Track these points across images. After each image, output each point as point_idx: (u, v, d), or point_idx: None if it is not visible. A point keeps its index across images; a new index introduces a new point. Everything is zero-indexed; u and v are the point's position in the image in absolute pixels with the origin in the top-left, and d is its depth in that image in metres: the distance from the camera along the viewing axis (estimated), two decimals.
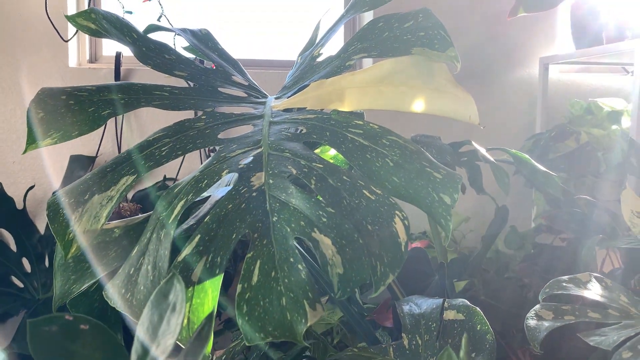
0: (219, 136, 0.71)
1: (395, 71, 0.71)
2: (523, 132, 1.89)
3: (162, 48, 0.83)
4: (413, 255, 1.06)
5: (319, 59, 0.83)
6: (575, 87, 1.90)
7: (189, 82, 0.81)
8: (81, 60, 1.74)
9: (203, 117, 0.74)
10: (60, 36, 1.53)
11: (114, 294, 0.58)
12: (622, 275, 1.04)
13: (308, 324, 0.51)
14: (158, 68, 0.80)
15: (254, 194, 0.60)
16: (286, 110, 0.78)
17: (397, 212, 0.58)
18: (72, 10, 1.70)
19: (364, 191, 0.60)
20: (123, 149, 1.73)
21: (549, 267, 1.12)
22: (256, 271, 0.54)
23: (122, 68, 1.65)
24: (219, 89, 0.81)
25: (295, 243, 0.55)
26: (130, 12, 1.82)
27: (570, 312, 0.71)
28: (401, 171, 0.64)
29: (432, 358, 0.75)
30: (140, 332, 0.38)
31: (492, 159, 1.23)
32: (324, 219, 0.56)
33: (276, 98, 0.82)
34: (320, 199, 0.58)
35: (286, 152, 0.65)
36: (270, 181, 0.61)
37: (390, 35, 0.74)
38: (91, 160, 1.62)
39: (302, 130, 0.70)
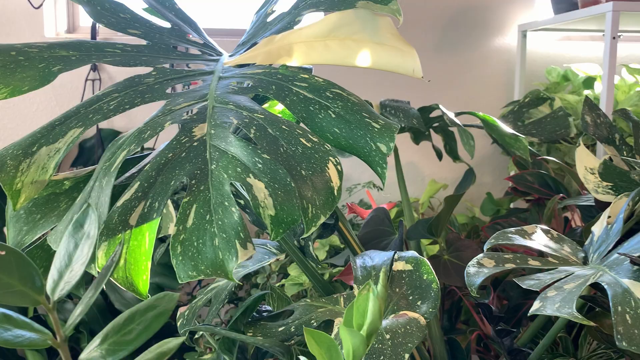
0: (168, 91, 0.72)
1: (341, 25, 0.72)
2: (503, 99, 1.90)
3: (118, 7, 0.84)
4: (376, 215, 1.08)
5: (272, 16, 0.83)
6: (554, 54, 1.90)
7: (144, 39, 0.82)
8: (58, 30, 1.74)
9: (153, 72, 0.75)
10: (31, 3, 1.53)
11: (56, 240, 0.60)
12: (580, 232, 1.06)
13: (239, 261, 0.53)
14: (112, 26, 0.81)
15: (195, 143, 0.61)
16: (238, 67, 0.79)
17: (330, 158, 0.60)
18: None
19: (301, 139, 0.61)
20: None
21: (514, 226, 1.14)
22: (192, 215, 0.56)
23: (98, 38, 1.65)
24: (173, 46, 0.82)
25: (229, 188, 0.56)
26: None
27: (512, 260, 0.73)
28: (342, 122, 0.65)
29: None
30: (57, 259, 0.40)
31: (459, 122, 1.24)
32: (260, 165, 0.58)
33: (230, 55, 0.83)
34: (258, 146, 0.60)
35: (230, 104, 0.67)
36: (212, 131, 0.62)
37: None
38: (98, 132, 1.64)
39: (249, 84, 0.71)
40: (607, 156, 0.88)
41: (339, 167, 0.59)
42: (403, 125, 1.26)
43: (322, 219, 0.57)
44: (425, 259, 0.79)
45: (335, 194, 0.58)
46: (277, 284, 1.36)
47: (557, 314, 0.54)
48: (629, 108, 1.40)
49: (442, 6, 1.84)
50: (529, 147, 1.29)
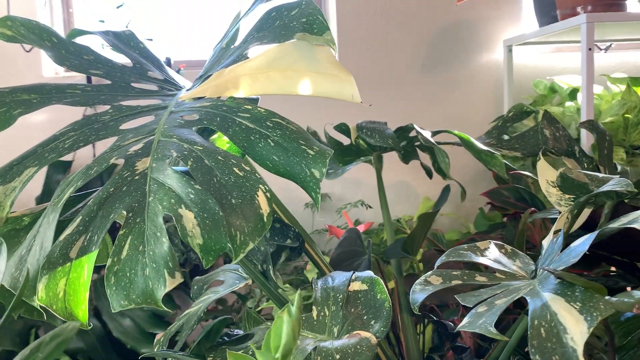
0: (121, 127, 0.76)
1: (281, 56, 0.75)
2: (493, 115, 1.90)
3: (82, 50, 0.89)
4: (349, 236, 1.10)
5: (227, 49, 0.87)
6: (542, 67, 1.91)
7: (106, 79, 0.87)
8: (57, 69, 1.82)
9: (110, 110, 0.79)
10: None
11: (6, 274, 0.64)
12: None
13: (166, 290, 0.56)
14: (74, 68, 0.85)
15: (137, 177, 0.64)
16: (194, 100, 0.83)
17: (260, 186, 0.62)
18: (44, 20, 1.78)
19: (234, 169, 0.64)
20: (98, 152, 1.80)
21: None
22: (126, 246, 0.58)
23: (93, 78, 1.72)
24: (132, 84, 0.86)
25: (162, 219, 0.59)
26: (102, 21, 1.89)
27: (459, 277, 0.73)
28: (280, 150, 0.68)
29: (336, 327, 0.79)
30: None
31: (432, 140, 1.26)
32: (192, 196, 0.60)
33: (187, 90, 0.87)
34: (193, 177, 0.63)
35: (174, 137, 0.70)
36: (154, 165, 0.65)
37: (280, 23, 0.78)
38: (68, 164, 1.70)
39: (195, 117, 0.75)
40: (562, 169, 0.88)
41: (268, 194, 0.62)
42: (380, 146, 1.28)
43: (251, 245, 0.59)
44: (380, 279, 0.80)
45: (265, 220, 0.60)
46: (263, 305, 1.38)
47: (476, 330, 0.55)
48: (610, 118, 1.40)
49: (428, 25, 1.86)
50: (510, 162, 1.30)
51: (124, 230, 0.59)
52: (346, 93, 0.74)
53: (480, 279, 0.73)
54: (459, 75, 1.90)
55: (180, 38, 2.01)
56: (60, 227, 0.63)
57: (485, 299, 0.63)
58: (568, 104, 1.53)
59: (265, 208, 0.61)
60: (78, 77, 1.75)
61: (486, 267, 0.75)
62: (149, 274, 0.56)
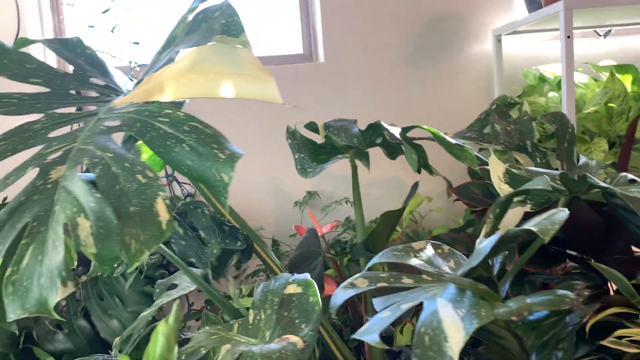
0: (51, 135, 0.76)
1: (201, 59, 0.74)
2: (484, 106, 1.86)
3: (25, 59, 0.90)
4: (308, 237, 1.09)
5: (162, 53, 0.87)
6: (534, 56, 1.85)
7: (45, 87, 0.87)
8: None
9: (43, 118, 0.80)
10: None
11: None
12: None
13: (58, 299, 0.56)
14: (15, 78, 0.86)
15: (49, 185, 0.65)
16: (127, 106, 0.83)
17: (160, 193, 0.62)
18: (33, 33, 1.82)
19: (138, 176, 0.64)
20: None
21: (456, 239, 1.11)
22: (27, 256, 0.59)
23: None
24: (71, 91, 0.87)
25: (62, 229, 0.60)
26: (92, 26, 1.92)
27: (386, 279, 0.72)
28: (194, 154, 0.67)
29: (268, 331, 0.78)
30: None
31: (399, 137, 1.23)
32: (92, 204, 0.60)
33: (125, 96, 0.87)
34: (96, 185, 0.63)
35: (90, 144, 0.70)
36: (67, 173, 0.66)
37: (206, 25, 0.78)
38: None
39: (117, 123, 0.75)
40: (507, 165, 0.85)
41: (167, 201, 0.61)
42: (345, 144, 1.26)
43: (147, 254, 0.58)
44: (313, 282, 0.79)
45: (164, 227, 0.60)
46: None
47: (363, 337, 0.53)
48: (593, 107, 1.35)
49: (415, 17, 1.83)
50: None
51: (26, 239, 0.60)
52: (267, 94, 0.73)
53: (407, 281, 0.71)
54: (449, 67, 1.86)
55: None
56: None
57: (393, 303, 0.62)
58: (552, 94, 1.48)
59: (164, 215, 0.60)
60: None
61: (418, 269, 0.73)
62: (44, 283, 0.57)
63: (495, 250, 0.61)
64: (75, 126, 0.80)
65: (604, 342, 0.69)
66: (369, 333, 0.54)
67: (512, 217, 0.79)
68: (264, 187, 1.84)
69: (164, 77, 0.77)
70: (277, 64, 1.84)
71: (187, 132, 0.70)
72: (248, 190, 1.84)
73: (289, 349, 0.71)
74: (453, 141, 1.24)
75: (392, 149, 1.50)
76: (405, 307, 0.59)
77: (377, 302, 0.64)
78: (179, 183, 1.76)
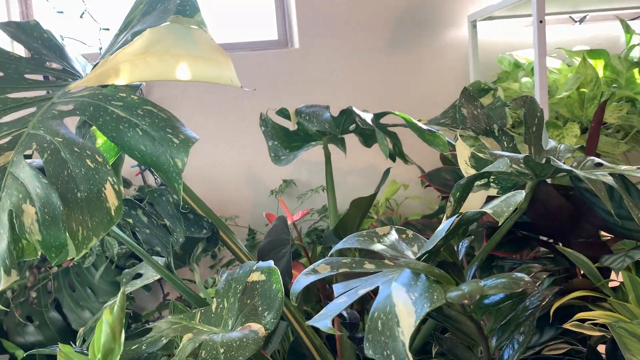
0: (2, 120, 0.74)
1: (156, 40, 0.72)
2: (459, 92, 1.85)
3: None
4: (277, 225, 1.07)
5: (120, 35, 0.84)
6: (510, 42, 1.84)
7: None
8: None
9: None
10: None
11: None
12: None
13: (2, 288, 0.54)
14: None
15: None
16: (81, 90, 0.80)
17: (109, 178, 0.60)
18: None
19: (87, 160, 0.61)
20: None
21: (427, 225, 1.10)
22: None
23: None
24: (26, 75, 0.84)
25: (7, 215, 0.57)
26: (62, 12, 1.87)
27: (348, 264, 0.70)
28: (148, 139, 0.65)
29: (231, 319, 0.77)
30: None
31: (370, 122, 1.22)
32: (38, 190, 0.58)
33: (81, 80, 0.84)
34: (44, 171, 0.60)
35: (41, 129, 0.68)
36: (15, 159, 0.63)
37: (162, 6, 0.75)
38: None
39: (70, 107, 0.72)
40: (472, 148, 0.84)
41: (116, 186, 0.59)
42: (317, 130, 1.25)
43: (94, 240, 0.57)
44: (276, 269, 0.78)
45: (113, 213, 0.58)
46: None
47: (316, 324, 0.52)
48: (565, 92, 1.34)
49: (391, 3, 1.81)
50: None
51: None
52: (225, 77, 0.70)
53: (369, 266, 0.70)
54: (425, 54, 1.84)
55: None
56: None
57: (351, 289, 0.61)
58: (525, 79, 1.47)
59: (112, 201, 0.58)
60: None
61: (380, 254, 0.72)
62: None
63: (452, 233, 0.60)
64: (26, 112, 0.78)
65: (566, 325, 0.69)
66: (323, 319, 0.53)
67: (474, 201, 0.78)
68: (241, 176, 1.82)
69: (119, 60, 0.75)
70: (251, 50, 1.82)
71: (141, 116, 0.67)
72: (225, 179, 1.81)
73: (250, 337, 0.70)
74: (425, 127, 1.23)
75: (367, 136, 1.48)
76: (362, 292, 0.58)
77: (336, 288, 0.63)
78: (151, 171, 1.73)
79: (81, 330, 0.97)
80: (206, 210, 0.93)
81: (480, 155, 0.84)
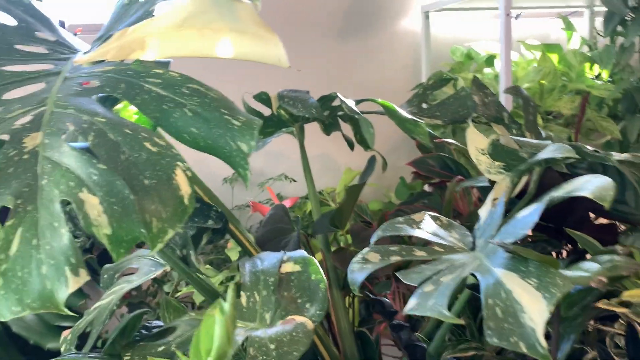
0: (4, 97, 0.64)
1: (196, 13, 0.66)
2: (412, 83, 1.88)
3: None
4: (275, 213, 1.03)
5: (131, 7, 0.76)
6: (460, 34, 1.91)
7: None
8: None
9: None
10: None
11: None
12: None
13: (70, 291, 0.47)
14: None
15: (25, 156, 0.54)
16: (92, 64, 0.71)
17: (178, 163, 0.54)
18: None
19: (146, 143, 0.55)
20: None
21: (418, 212, 1.12)
22: (16, 240, 0.48)
23: None
24: (16, 46, 0.73)
25: (60, 206, 0.50)
26: None
27: (398, 252, 0.69)
28: (200, 121, 0.59)
29: (268, 313, 0.73)
30: None
31: (357, 110, 1.21)
32: (95, 177, 0.51)
33: (85, 53, 0.75)
34: (96, 155, 0.53)
35: (70, 108, 0.59)
36: (46, 141, 0.55)
37: None
38: None
39: (96, 84, 0.64)
40: (495, 136, 0.86)
41: (188, 172, 0.53)
42: (302, 115, 1.21)
43: (171, 233, 0.50)
44: (313, 259, 0.74)
45: (187, 203, 0.52)
46: (182, 291, 1.29)
47: (428, 313, 0.50)
48: (527, 84, 1.42)
49: None
50: (430, 130, 1.28)
51: (11, 220, 0.49)
52: (271, 55, 0.66)
53: (419, 253, 0.69)
54: (376, 43, 1.86)
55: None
56: None
57: (430, 277, 0.59)
58: (486, 70, 1.54)
59: (185, 189, 0.53)
60: None
61: (427, 241, 0.71)
62: (47, 272, 0.47)
63: None
64: (30, 88, 0.68)
65: (599, 304, 0.73)
66: (430, 309, 0.51)
67: (503, 185, 0.79)
68: (190, 162, 1.73)
69: (146, 32, 0.67)
70: None
71: (186, 95, 0.61)
72: None
73: (300, 330, 0.67)
74: (407, 116, 1.24)
75: (329, 124, 1.47)
76: (445, 279, 0.57)
77: (407, 277, 0.61)
78: None
79: (66, 333, 0.87)
80: (214, 199, 0.88)
81: (502, 142, 0.86)
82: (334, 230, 1.08)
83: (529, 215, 0.58)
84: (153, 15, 0.70)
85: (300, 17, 1.78)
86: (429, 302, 0.53)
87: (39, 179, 0.51)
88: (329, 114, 1.36)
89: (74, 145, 0.55)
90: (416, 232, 0.73)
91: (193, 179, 0.87)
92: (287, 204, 1.16)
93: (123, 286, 0.87)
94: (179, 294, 1.28)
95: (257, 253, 0.93)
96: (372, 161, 1.20)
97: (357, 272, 0.65)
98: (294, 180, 1.74)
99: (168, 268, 0.86)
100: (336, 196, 1.73)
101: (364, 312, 1.35)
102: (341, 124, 1.43)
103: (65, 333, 0.88)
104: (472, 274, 0.55)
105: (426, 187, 1.75)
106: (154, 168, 0.53)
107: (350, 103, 1.23)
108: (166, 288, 1.35)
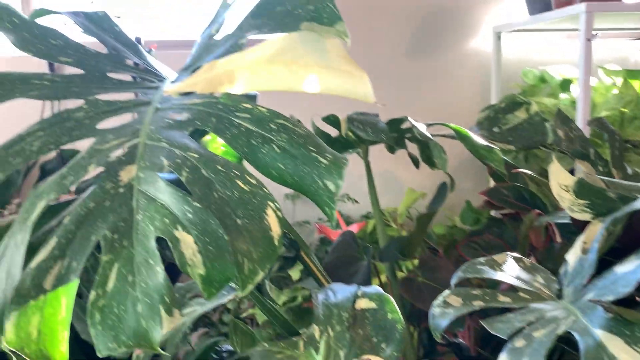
0: (98, 126, 0.66)
1: (286, 48, 0.66)
2: (479, 104, 1.85)
3: (49, 33, 0.77)
4: (343, 240, 1.03)
5: (217, 37, 0.77)
6: (531, 56, 1.86)
7: (78, 68, 0.76)
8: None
9: (84, 106, 0.68)
10: None
11: None
12: (558, 250, 1.01)
13: (164, 331, 0.47)
14: (40, 55, 0.74)
15: (121, 190, 0.55)
16: (180, 95, 0.73)
17: (269, 202, 0.54)
18: None
19: (238, 181, 0.55)
20: None
21: (490, 244, 1.08)
22: (113, 276, 0.49)
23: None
24: (108, 74, 0.75)
25: (155, 243, 0.50)
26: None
27: (480, 297, 0.67)
28: (287, 157, 0.59)
29: (342, 350, 0.72)
30: None
31: (428, 135, 1.19)
32: (189, 215, 0.51)
33: (172, 82, 0.77)
34: (190, 192, 0.54)
35: (163, 141, 0.60)
36: (141, 175, 0.56)
37: (282, 9, 0.69)
38: None
39: (187, 117, 0.65)
40: (581, 174, 0.83)
41: (279, 212, 0.53)
42: (372, 140, 1.20)
43: (260, 275, 0.50)
44: (390, 297, 0.73)
45: (276, 244, 0.52)
46: (248, 311, 1.30)
47: None
48: (606, 112, 1.36)
49: (412, 10, 1.78)
50: (504, 156, 1.24)
51: (108, 255, 0.50)
52: (358, 91, 0.65)
53: (504, 299, 0.66)
54: (444, 63, 1.83)
55: (150, 15, 1.87)
56: (31, 251, 0.53)
57: (519, 329, 0.57)
58: (563, 96, 1.48)
59: (276, 229, 0.52)
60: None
61: (511, 285, 0.68)
62: (142, 311, 0.47)
63: None
64: (122, 118, 0.69)
65: None
66: None
67: (594, 230, 0.76)
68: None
69: (236, 66, 0.68)
70: None
71: (274, 130, 0.61)
72: None
73: None
74: (482, 142, 1.21)
75: (395, 143, 1.45)
76: (538, 335, 0.54)
77: (493, 326, 0.59)
78: None
79: (139, 352, 0.89)
80: (287, 226, 0.88)
81: (589, 182, 0.82)
82: (402, 259, 1.06)
83: (633, 272, 0.55)
84: (241, 48, 0.71)
85: (368, 35, 1.78)
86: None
87: (134, 213, 0.52)
88: (397, 136, 1.35)
89: (167, 177, 0.56)
90: (499, 275, 0.71)
91: None
92: (354, 229, 1.15)
93: (195, 309, 0.89)
94: (243, 314, 1.29)
95: (327, 282, 0.92)
96: (443, 189, 1.17)
97: (439, 317, 0.63)
98: (357, 202, 1.73)
99: (240, 293, 0.86)
100: (397, 217, 1.71)
101: (426, 341, 1.32)
102: (407, 142, 1.41)
103: (137, 352, 0.90)
104: (568, 332, 0.52)
105: (493, 213, 1.71)
106: (245, 207, 0.53)
107: (422, 127, 1.22)
108: (229, 305, 1.37)
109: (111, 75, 0.76)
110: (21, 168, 1.57)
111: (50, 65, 1.55)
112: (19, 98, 0.68)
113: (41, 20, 0.81)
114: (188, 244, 0.49)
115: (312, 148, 0.60)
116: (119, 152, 0.60)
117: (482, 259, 0.74)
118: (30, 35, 0.76)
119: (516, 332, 0.56)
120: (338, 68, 0.65)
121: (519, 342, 0.54)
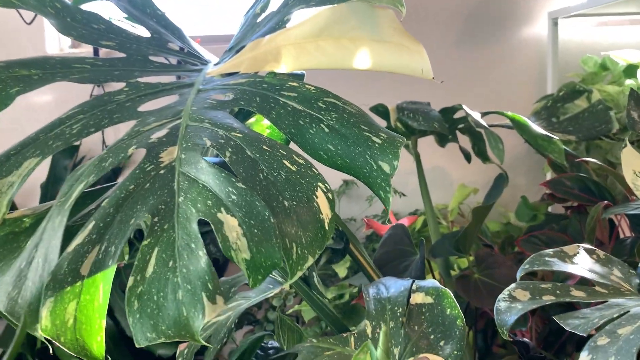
0: (140, 109, 0.63)
1: (334, 22, 0.61)
2: (535, 94, 1.75)
3: (91, 18, 0.75)
4: (394, 233, 0.97)
5: (262, 17, 0.74)
6: (589, 42, 1.75)
7: (120, 51, 0.73)
8: (62, 46, 1.69)
9: (125, 88, 0.66)
10: (23, 19, 1.47)
11: (1, 293, 0.51)
12: (630, 244, 0.93)
13: (205, 320, 0.43)
14: (82, 39, 0.72)
15: (162, 171, 0.52)
16: (223, 76, 0.70)
17: (319, 184, 0.49)
18: None
19: (285, 162, 0.51)
20: (107, 135, 1.68)
21: (553, 239, 1.01)
22: (152, 261, 0.46)
23: (101, 51, 1.59)
24: (151, 57, 0.73)
25: (197, 226, 0.47)
26: None
27: (551, 290, 0.61)
28: (337, 137, 0.55)
29: (397, 348, 0.66)
30: None
31: (484, 123, 1.12)
32: (233, 197, 0.48)
33: (215, 64, 0.74)
34: (234, 173, 0.50)
35: (205, 122, 0.57)
36: (183, 156, 0.53)
37: None
38: (75, 148, 1.57)
39: (230, 96, 0.61)
40: None
41: (329, 194, 0.49)
42: (424, 129, 1.15)
43: (310, 261, 0.46)
44: (448, 291, 0.67)
45: (327, 228, 0.48)
46: (294, 308, 1.26)
47: None
48: None
49: None
50: (564, 146, 1.16)
51: (148, 239, 0.47)
52: (415, 66, 0.60)
53: (577, 293, 0.60)
54: (498, 51, 1.75)
55: (193, 11, 1.87)
56: (68, 235, 0.50)
57: (600, 326, 0.51)
58: (628, 81, 1.38)
59: (326, 212, 0.48)
60: (85, 54, 1.61)
61: (585, 278, 0.62)
62: (183, 298, 0.44)
63: None
64: (164, 100, 0.67)
65: None
66: None
67: None
68: None
69: (280, 43, 0.64)
70: None
71: (323, 109, 0.57)
72: None
73: None
74: (541, 131, 1.13)
75: (444, 135, 1.38)
76: (623, 332, 0.48)
77: (568, 323, 0.53)
78: None
79: (183, 347, 0.86)
80: (335, 217, 0.83)
81: None
82: (457, 254, 1.00)
83: None
84: (287, 25, 0.67)
85: (418, 20, 1.71)
86: (608, 358, 0.44)
87: (176, 195, 0.49)
88: (450, 126, 1.28)
89: (209, 159, 0.52)
90: (570, 268, 0.64)
91: None
92: (405, 223, 1.09)
93: (240, 302, 0.85)
94: (290, 311, 1.26)
95: (377, 276, 0.87)
96: (500, 180, 1.10)
97: (505, 312, 0.57)
98: (404, 195, 1.66)
99: (287, 287, 0.83)
100: (448, 214, 1.64)
101: (481, 342, 1.25)
102: (458, 135, 1.35)
103: (182, 347, 0.87)
104: None
105: (550, 209, 1.61)
106: (293, 188, 0.49)
107: (476, 116, 1.15)
108: (274, 302, 1.33)
109: (153, 58, 0.73)
110: (68, 165, 1.58)
111: (95, 51, 1.55)
112: (60, 81, 0.66)
113: (86, 7, 0.79)
114: (232, 227, 0.45)
115: (364, 127, 0.55)
116: (160, 134, 0.57)
117: (550, 251, 0.67)
118: (73, 20, 0.74)
119: (596, 330, 0.50)
120: (392, 41, 0.60)
121: (602, 340, 0.48)
